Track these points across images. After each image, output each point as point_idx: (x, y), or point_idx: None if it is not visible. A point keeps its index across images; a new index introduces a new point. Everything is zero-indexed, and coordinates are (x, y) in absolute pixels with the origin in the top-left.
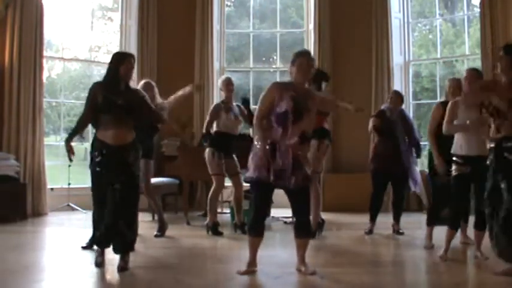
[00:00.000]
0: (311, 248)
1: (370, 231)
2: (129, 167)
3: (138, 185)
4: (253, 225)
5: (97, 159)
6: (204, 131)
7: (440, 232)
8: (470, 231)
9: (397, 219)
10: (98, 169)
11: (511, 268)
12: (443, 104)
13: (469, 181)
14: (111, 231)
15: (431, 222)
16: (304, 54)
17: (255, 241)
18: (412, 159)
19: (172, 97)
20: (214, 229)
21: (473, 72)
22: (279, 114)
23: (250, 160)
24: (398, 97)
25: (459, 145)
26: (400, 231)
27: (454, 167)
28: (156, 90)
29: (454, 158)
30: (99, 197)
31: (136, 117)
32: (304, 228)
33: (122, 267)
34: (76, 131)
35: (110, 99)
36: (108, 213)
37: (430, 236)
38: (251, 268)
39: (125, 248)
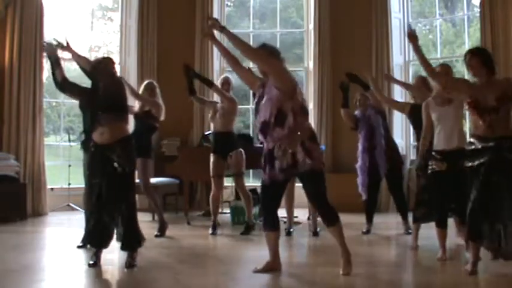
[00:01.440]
0: (311, 248)
1: (367, 231)
2: (112, 165)
3: (127, 183)
4: (264, 220)
5: (87, 157)
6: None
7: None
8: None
9: (404, 219)
10: (86, 167)
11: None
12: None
13: (448, 178)
14: (98, 229)
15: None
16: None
17: (270, 236)
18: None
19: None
20: (214, 228)
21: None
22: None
23: None
24: (366, 99)
25: (437, 140)
26: (410, 230)
27: (431, 163)
28: (158, 91)
29: (432, 153)
30: (87, 194)
31: (118, 108)
32: (327, 216)
33: (129, 264)
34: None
35: (87, 100)
36: (93, 211)
37: (415, 234)
38: (268, 267)
39: (127, 245)
